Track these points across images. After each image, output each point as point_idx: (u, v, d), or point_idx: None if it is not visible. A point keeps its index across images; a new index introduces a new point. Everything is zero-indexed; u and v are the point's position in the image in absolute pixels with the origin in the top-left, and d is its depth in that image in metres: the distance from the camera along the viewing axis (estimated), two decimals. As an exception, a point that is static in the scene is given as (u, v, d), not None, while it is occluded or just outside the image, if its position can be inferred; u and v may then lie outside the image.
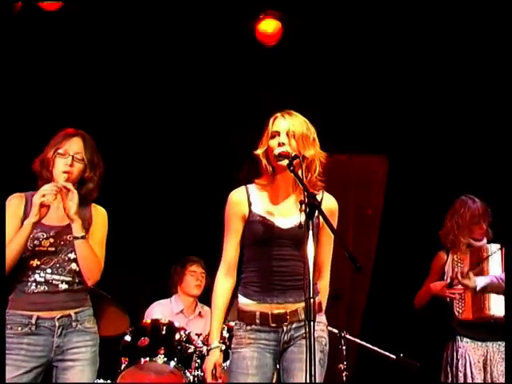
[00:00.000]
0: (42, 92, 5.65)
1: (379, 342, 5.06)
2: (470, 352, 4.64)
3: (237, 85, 5.79)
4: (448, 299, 4.73)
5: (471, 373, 4.59)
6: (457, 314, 4.69)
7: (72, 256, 3.46)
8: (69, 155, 3.47)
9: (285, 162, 3.18)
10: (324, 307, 3.37)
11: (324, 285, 3.38)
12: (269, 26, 5.81)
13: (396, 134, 6.17)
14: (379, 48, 5.77)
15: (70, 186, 3.43)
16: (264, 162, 3.28)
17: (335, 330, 4.99)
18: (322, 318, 3.29)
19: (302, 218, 3.09)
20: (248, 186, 3.35)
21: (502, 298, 4.51)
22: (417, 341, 5.48)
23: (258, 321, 3.21)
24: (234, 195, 3.35)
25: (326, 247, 3.35)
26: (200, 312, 5.47)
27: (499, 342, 4.62)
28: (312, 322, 2.83)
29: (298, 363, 3.18)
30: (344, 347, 4.97)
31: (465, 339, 4.67)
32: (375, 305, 6.26)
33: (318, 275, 3.30)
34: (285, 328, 3.22)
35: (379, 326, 5.90)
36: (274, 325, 3.21)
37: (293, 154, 3.16)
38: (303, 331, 3.16)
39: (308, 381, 2.80)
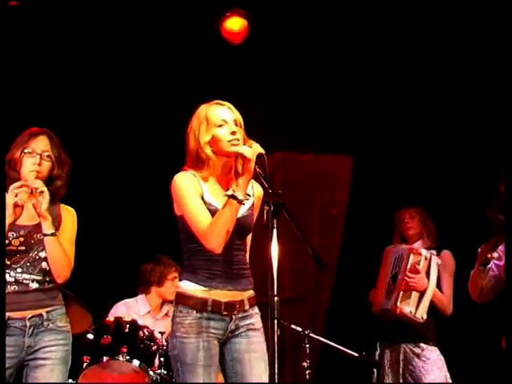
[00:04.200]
0: (8, 91, 5.58)
1: (342, 340, 5.09)
2: (386, 354, 4.81)
3: (202, 83, 5.77)
4: None
5: (383, 373, 4.78)
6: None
7: (43, 255, 3.44)
8: (36, 154, 3.45)
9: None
10: None
11: None
12: (235, 24, 5.82)
13: (360, 133, 6.20)
14: (344, 47, 5.80)
15: (39, 184, 3.39)
16: (207, 151, 3.23)
17: (299, 328, 5.02)
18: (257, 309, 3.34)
19: (248, 205, 3.24)
20: (190, 172, 3.26)
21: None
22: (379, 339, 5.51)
23: (209, 308, 3.19)
24: (185, 176, 3.24)
25: None
26: (167, 311, 5.40)
27: (418, 344, 4.72)
28: (276, 320, 2.87)
29: (252, 353, 3.21)
30: (307, 345, 4.99)
31: (383, 342, 4.86)
32: (338, 303, 6.29)
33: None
34: (233, 317, 3.23)
35: (342, 325, 5.93)
36: (225, 313, 3.21)
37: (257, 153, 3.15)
38: (248, 321, 3.25)
39: (271, 380, 2.84)
